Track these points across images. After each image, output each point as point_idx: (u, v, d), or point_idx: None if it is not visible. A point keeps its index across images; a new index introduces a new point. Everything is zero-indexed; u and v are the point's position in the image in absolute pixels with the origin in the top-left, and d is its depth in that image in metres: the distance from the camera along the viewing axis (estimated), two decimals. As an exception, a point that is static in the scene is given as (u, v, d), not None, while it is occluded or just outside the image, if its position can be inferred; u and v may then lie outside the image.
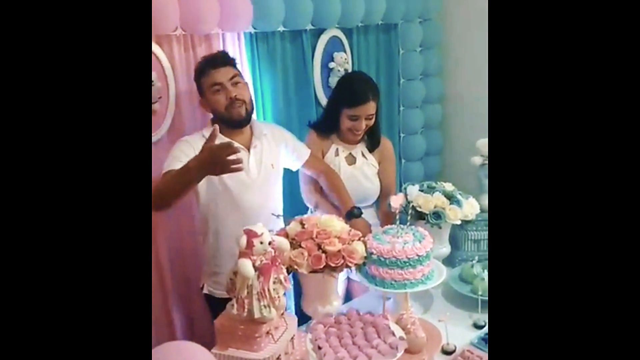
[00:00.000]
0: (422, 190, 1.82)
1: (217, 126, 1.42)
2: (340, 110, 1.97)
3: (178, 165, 1.52)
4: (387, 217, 2.10)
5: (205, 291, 1.84)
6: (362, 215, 1.91)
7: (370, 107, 1.94)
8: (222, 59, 1.72)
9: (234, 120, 1.72)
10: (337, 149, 2.06)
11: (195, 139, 1.68)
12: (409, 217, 1.62)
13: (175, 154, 1.64)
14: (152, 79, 1.70)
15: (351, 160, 2.07)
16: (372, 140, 2.09)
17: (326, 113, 2.10)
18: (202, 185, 1.69)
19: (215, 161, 1.38)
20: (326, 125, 2.05)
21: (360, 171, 2.07)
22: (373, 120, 2.00)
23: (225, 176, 1.65)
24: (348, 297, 2.11)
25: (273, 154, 1.84)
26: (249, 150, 1.76)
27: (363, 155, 2.09)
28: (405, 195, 1.77)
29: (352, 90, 1.96)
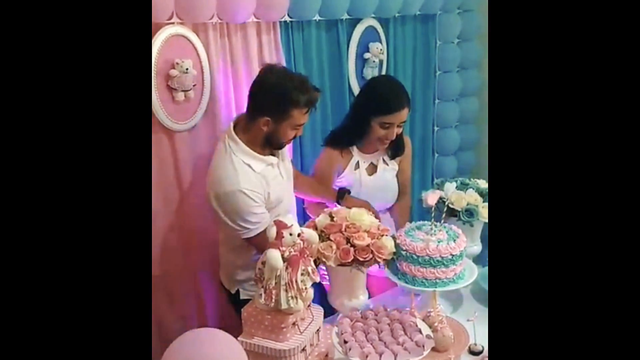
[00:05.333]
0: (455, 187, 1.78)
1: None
2: (370, 118, 1.83)
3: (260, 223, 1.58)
4: (403, 214, 2.07)
5: (243, 297, 1.76)
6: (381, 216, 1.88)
7: (404, 114, 1.83)
8: (316, 103, 1.66)
9: (281, 147, 1.72)
10: (357, 162, 1.94)
11: (241, 169, 1.59)
12: (443, 215, 1.59)
13: (252, 205, 1.58)
14: (187, 67, 1.70)
15: (372, 169, 1.98)
16: (396, 148, 1.98)
17: (351, 122, 1.92)
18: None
19: None
20: (350, 136, 1.92)
21: (382, 180, 1.98)
22: (402, 127, 1.89)
23: (272, 187, 1.66)
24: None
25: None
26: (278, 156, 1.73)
27: (384, 161, 1.99)
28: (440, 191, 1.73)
29: (386, 97, 1.83)
